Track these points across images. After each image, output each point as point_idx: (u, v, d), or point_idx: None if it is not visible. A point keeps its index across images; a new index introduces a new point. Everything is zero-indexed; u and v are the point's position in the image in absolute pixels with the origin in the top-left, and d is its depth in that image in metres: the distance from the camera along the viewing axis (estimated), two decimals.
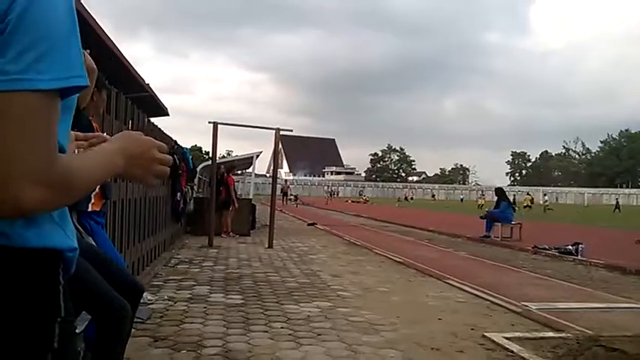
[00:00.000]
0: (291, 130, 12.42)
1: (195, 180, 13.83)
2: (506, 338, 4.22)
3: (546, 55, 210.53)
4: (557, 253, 10.21)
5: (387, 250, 10.12)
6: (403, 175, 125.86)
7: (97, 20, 7.86)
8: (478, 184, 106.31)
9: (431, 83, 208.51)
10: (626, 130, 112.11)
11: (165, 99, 16.41)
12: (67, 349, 0.94)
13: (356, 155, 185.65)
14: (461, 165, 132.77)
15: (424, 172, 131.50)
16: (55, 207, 0.88)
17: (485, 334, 4.36)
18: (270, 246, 10.06)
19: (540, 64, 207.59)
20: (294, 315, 4.81)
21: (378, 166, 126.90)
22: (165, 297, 5.34)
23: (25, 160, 0.78)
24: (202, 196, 14.21)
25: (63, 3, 0.84)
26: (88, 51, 1.89)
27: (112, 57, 9.01)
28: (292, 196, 40.28)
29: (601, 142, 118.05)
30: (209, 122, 10.39)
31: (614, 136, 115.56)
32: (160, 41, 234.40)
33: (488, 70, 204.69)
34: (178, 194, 9.59)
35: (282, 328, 4.37)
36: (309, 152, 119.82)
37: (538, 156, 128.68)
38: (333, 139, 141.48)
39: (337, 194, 67.36)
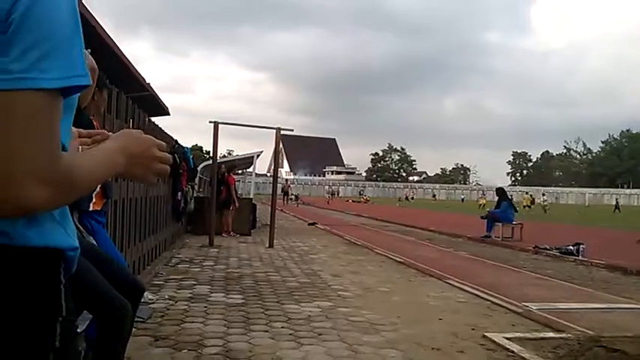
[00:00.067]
0: (292, 130, 12.44)
1: (196, 179, 13.84)
2: (507, 338, 4.22)
3: (547, 55, 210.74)
4: (558, 254, 10.20)
5: (388, 249, 10.12)
6: (404, 174, 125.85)
7: (97, 19, 7.86)
8: (479, 184, 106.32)
9: (431, 83, 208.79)
10: (627, 131, 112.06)
11: (165, 98, 16.44)
12: (69, 349, 0.94)
13: (357, 155, 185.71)
14: (462, 165, 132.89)
15: (425, 172, 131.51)
16: (58, 205, 0.89)
17: (486, 334, 4.36)
18: (271, 245, 10.07)
19: (541, 63, 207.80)
20: (295, 315, 4.81)
21: (379, 165, 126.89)
22: (166, 296, 5.35)
23: (28, 158, 0.78)
24: (203, 195, 14.21)
25: (66, 3, 0.84)
26: (89, 50, 1.89)
27: (112, 56, 9.00)
28: (293, 196, 40.28)
29: (602, 142, 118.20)
30: (210, 122, 10.40)
31: (615, 136, 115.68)
32: (160, 40, 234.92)
33: (489, 70, 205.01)
34: (179, 194, 9.60)
35: (282, 327, 4.37)
36: (309, 152, 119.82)
37: (539, 156, 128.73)
38: (334, 139, 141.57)
39: (338, 194, 67.35)
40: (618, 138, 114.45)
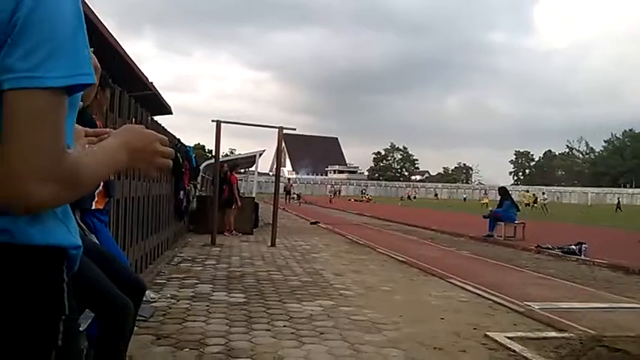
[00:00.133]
0: (295, 129, 12.45)
1: (198, 178, 13.87)
2: (509, 338, 4.22)
3: (550, 54, 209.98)
4: (560, 253, 10.19)
5: (390, 249, 10.12)
6: (406, 174, 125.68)
7: (100, 19, 7.87)
8: (481, 184, 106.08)
9: (434, 82, 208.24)
10: (630, 130, 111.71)
11: (168, 97, 16.48)
12: (71, 347, 0.94)
13: (359, 154, 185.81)
14: (464, 164, 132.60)
15: (427, 171, 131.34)
16: (63, 202, 0.89)
17: (488, 333, 4.36)
18: (273, 244, 10.07)
19: (544, 63, 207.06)
20: (297, 313, 4.82)
21: (381, 164, 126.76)
22: (168, 295, 5.35)
23: (35, 156, 0.79)
24: (205, 194, 14.23)
25: (70, 2, 0.85)
26: (92, 49, 1.89)
27: (115, 55, 9.03)
28: (295, 195, 40.31)
29: (605, 141, 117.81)
30: (212, 121, 10.40)
31: (617, 135, 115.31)
32: (162, 39, 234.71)
33: (492, 69, 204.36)
34: (181, 192, 9.61)
35: (284, 326, 4.38)
36: (312, 151, 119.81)
37: (542, 155, 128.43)
38: (336, 138, 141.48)
39: (340, 193, 67.36)
40: (621, 137, 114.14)
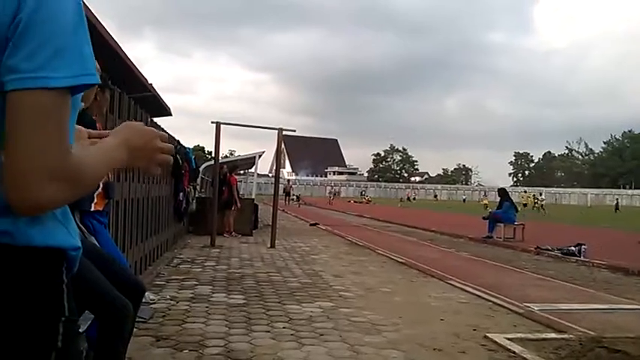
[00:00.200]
0: (294, 131, 12.43)
1: (198, 180, 13.86)
2: (509, 339, 4.22)
3: (549, 55, 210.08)
4: (559, 254, 10.19)
5: (389, 250, 10.12)
6: (405, 175, 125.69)
7: (100, 20, 7.87)
8: (481, 185, 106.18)
9: (433, 83, 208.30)
10: (630, 131, 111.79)
11: (168, 99, 16.45)
12: (71, 349, 0.94)
13: (358, 155, 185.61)
14: (463, 165, 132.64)
15: (427, 173, 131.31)
16: (67, 202, 0.90)
17: (488, 334, 4.36)
18: (273, 246, 10.07)
19: (543, 63, 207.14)
20: (297, 315, 4.82)
21: (381, 166, 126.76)
22: (168, 296, 5.35)
23: (41, 156, 0.79)
24: (205, 195, 14.23)
25: (72, 3, 0.85)
26: None
27: (115, 57, 9.01)
28: (295, 196, 40.30)
29: (604, 142, 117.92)
30: (212, 122, 10.41)
31: (617, 136, 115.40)
32: (162, 41, 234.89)
33: (491, 70, 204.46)
34: (181, 194, 9.61)
35: (284, 328, 4.37)
36: (311, 152, 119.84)
37: (541, 156, 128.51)
38: (336, 140, 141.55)
39: (339, 194, 67.36)
40: (620, 138, 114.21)
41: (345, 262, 8.56)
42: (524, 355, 3.82)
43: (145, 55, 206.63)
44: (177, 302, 5.15)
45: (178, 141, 9.97)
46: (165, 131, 8.40)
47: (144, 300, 2.53)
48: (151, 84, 12.83)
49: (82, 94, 0.94)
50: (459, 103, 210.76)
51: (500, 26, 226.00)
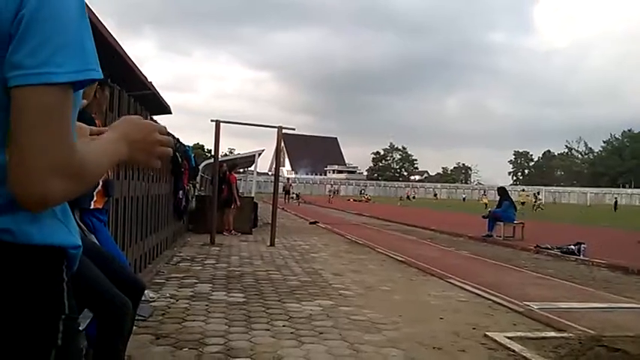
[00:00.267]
0: (294, 129, 12.46)
1: (198, 178, 13.87)
2: (508, 338, 4.22)
3: (550, 55, 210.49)
4: (559, 253, 10.20)
5: (389, 248, 10.12)
6: (405, 174, 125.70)
7: (99, 18, 7.86)
8: (480, 184, 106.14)
9: (433, 82, 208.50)
10: (629, 130, 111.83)
11: (167, 97, 16.46)
12: (71, 346, 0.94)
13: (358, 154, 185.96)
14: (463, 164, 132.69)
15: (426, 171, 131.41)
16: (71, 197, 0.90)
17: (487, 333, 4.36)
18: (272, 244, 10.07)
19: (544, 63, 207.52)
20: (296, 313, 4.82)
21: (380, 164, 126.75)
22: (167, 295, 5.35)
23: (46, 152, 0.79)
24: (204, 194, 14.23)
25: None
26: None
27: (114, 55, 9.00)
28: (294, 195, 40.32)
29: (604, 141, 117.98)
30: (211, 120, 10.41)
31: (616, 135, 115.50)
32: (162, 39, 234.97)
33: (491, 69, 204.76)
34: (180, 192, 9.61)
35: (283, 326, 4.37)
36: (311, 151, 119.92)
37: (540, 155, 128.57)
38: (336, 138, 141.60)
39: (339, 193, 67.38)
40: (620, 138, 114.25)
41: (344, 260, 8.56)
42: (524, 354, 3.82)
43: (145, 53, 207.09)
44: (177, 300, 5.15)
45: (178, 139, 9.96)
46: (165, 129, 8.40)
47: (143, 298, 2.53)
48: (150, 82, 12.82)
49: (83, 90, 0.94)
50: (459, 102, 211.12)
51: (500, 26, 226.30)
